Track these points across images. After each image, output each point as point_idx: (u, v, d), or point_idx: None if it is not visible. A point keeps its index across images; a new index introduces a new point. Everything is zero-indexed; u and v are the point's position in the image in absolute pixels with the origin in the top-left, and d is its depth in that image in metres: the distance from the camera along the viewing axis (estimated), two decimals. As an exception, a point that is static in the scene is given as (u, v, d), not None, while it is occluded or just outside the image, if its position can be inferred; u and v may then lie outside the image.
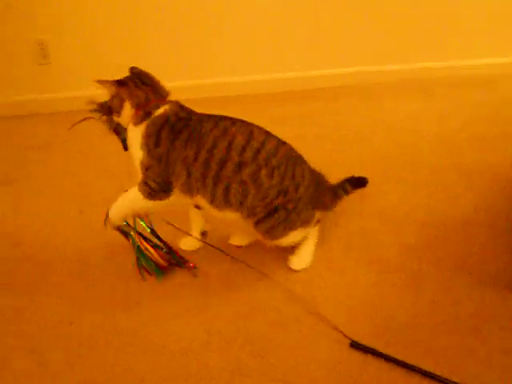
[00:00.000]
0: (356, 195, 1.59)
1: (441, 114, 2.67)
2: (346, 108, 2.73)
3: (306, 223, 1.33)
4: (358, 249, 1.54)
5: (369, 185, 1.61)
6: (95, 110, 1.27)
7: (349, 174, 1.59)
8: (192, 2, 2.59)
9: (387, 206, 1.78)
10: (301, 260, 1.41)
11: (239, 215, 1.23)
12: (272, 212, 1.22)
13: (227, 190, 1.19)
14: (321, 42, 2.86)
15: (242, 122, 1.24)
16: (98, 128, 1.32)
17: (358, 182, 1.54)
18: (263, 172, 1.19)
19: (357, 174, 1.60)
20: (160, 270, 1.31)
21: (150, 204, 1.25)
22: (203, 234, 1.45)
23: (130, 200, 1.27)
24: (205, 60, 2.68)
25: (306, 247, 1.42)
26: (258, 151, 1.19)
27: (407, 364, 1.11)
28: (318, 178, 1.36)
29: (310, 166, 1.33)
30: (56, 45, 2.43)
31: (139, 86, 1.22)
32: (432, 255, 1.52)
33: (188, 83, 2.63)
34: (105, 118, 1.27)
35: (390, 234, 1.63)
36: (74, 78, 2.42)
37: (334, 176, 1.54)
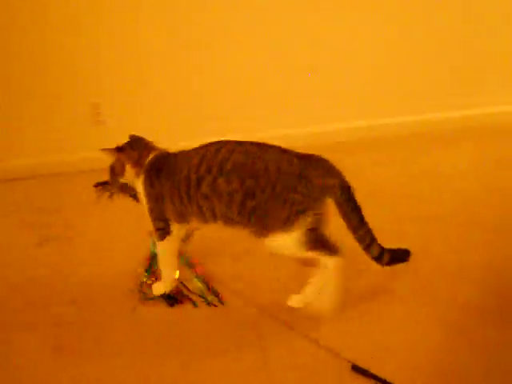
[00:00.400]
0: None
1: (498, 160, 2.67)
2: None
3: (288, 224, 1.27)
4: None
5: (423, 241, 1.75)
6: (102, 189, 1.52)
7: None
8: (277, 54, 2.82)
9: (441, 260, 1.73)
10: (298, 298, 1.41)
11: (222, 225, 1.35)
12: (250, 216, 1.28)
13: (199, 207, 1.32)
14: (385, 89, 3.06)
15: (213, 142, 1.36)
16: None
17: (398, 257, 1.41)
18: (220, 180, 1.26)
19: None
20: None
21: (167, 244, 1.44)
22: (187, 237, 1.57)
23: (159, 253, 1.48)
24: (289, 110, 2.89)
25: (311, 286, 1.40)
26: (211, 163, 1.28)
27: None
28: (299, 169, 1.27)
29: (282, 157, 1.29)
30: (109, 107, 2.69)
31: (134, 148, 1.44)
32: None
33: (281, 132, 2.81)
34: (112, 188, 1.51)
35: (448, 289, 1.58)
36: (125, 137, 2.57)
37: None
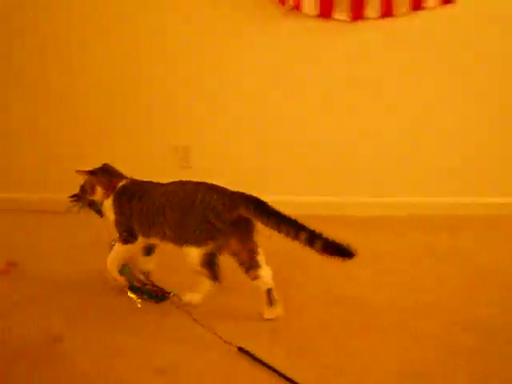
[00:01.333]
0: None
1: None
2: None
3: (198, 243, 1.55)
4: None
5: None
6: (74, 201, 1.81)
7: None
8: (330, 123, 2.71)
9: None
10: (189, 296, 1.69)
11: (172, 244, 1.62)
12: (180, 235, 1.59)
13: (157, 228, 1.62)
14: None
15: (176, 182, 1.73)
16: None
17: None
18: (168, 210, 1.60)
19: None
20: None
21: (126, 248, 1.71)
22: (145, 273, 1.81)
23: (115, 250, 1.73)
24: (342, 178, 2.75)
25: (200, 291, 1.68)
26: (165, 197, 1.63)
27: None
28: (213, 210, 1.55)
29: (210, 195, 1.58)
30: (197, 150, 2.73)
31: (104, 174, 1.75)
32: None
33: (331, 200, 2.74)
34: (80, 202, 1.81)
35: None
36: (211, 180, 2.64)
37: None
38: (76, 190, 1.79)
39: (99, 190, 1.73)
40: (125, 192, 1.71)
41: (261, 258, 1.55)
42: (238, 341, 1.40)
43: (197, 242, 1.54)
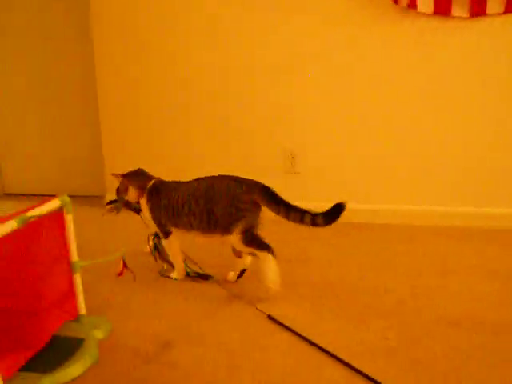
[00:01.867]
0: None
1: None
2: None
3: (232, 227, 1.72)
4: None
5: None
6: (112, 205, 1.97)
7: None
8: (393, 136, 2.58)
9: None
10: (232, 275, 1.91)
11: (199, 233, 1.79)
12: (213, 225, 1.75)
13: (183, 221, 1.80)
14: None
15: (197, 178, 1.84)
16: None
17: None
18: (193, 203, 1.76)
19: None
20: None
21: (169, 240, 1.88)
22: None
23: (167, 248, 1.92)
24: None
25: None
26: (190, 191, 1.79)
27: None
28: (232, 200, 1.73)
29: (228, 184, 1.75)
30: (303, 156, 2.68)
31: (136, 176, 1.93)
32: None
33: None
34: (119, 204, 1.96)
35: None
36: (317, 188, 2.64)
37: None
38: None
39: (132, 191, 1.91)
40: (154, 190, 1.88)
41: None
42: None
43: (228, 227, 1.72)
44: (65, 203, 1.37)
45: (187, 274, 1.92)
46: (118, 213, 1.98)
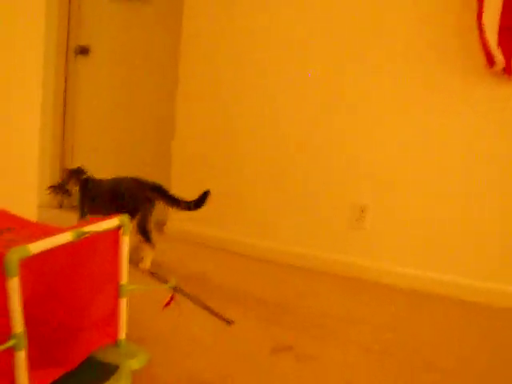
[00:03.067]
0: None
1: None
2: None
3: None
4: None
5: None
6: (53, 190, 2.48)
7: None
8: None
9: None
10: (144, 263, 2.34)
11: None
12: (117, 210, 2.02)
13: (98, 207, 2.35)
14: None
15: (114, 177, 2.41)
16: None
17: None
18: (107, 194, 2.34)
19: None
20: None
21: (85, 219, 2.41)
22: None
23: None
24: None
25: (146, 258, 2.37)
26: (103, 188, 2.37)
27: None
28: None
29: (131, 184, 2.34)
30: (374, 212, 2.55)
31: (76, 172, 2.44)
32: None
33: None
34: (60, 190, 2.49)
35: None
36: (384, 249, 2.53)
37: None
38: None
39: (72, 181, 2.44)
40: (85, 183, 2.40)
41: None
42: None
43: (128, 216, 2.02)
44: (123, 223, 1.36)
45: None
46: (61, 195, 2.56)
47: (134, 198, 2.24)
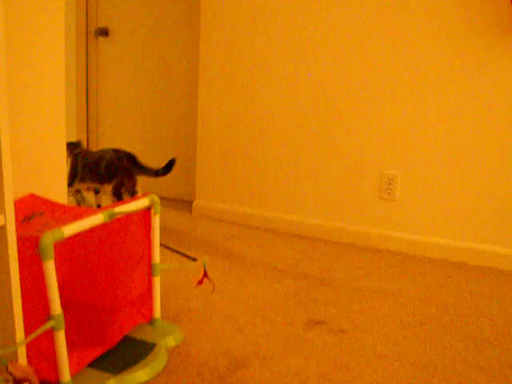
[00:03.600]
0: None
1: None
2: None
3: (108, 180, 2.48)
4: None
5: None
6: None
7: None
8: None
9: None
10: None
11: (91, 182, 2.56)
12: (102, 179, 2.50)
13: (85, 174, 2.55)
14: None
15: (100, 150, 2.59)
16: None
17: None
18: (93, 165, 2.51)
19: None
20: None
21: (71, 188, 2.64)
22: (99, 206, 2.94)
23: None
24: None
25: None
26: (91, 157, 2.55)
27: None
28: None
29: (111, 154, 2.50)
30: (403, 182, 2.52)
31: (72, 144, 2.65)
32: None
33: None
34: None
35: None
36: (414, 219, 2.51)
37: None
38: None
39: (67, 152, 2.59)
40: (77, 154, 2.60)
41: (139, 190, 2.49)
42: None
43: (108, 180, 2.46)
44: (153, 203, 1.35)
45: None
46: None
47: (112, 165, 2.47)
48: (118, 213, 1.18)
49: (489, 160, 2.32)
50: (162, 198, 3.52)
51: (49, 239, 1.00)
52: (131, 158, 2.52)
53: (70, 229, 1.06)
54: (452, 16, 2.29)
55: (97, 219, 1.12)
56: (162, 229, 2.71)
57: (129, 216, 1.30)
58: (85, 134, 3.71)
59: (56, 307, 1.04)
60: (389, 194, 2.51)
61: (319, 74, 2.61)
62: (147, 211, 1.36)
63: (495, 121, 2.29)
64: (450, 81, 2.34)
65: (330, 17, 2.55)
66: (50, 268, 1.01)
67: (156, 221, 1.38)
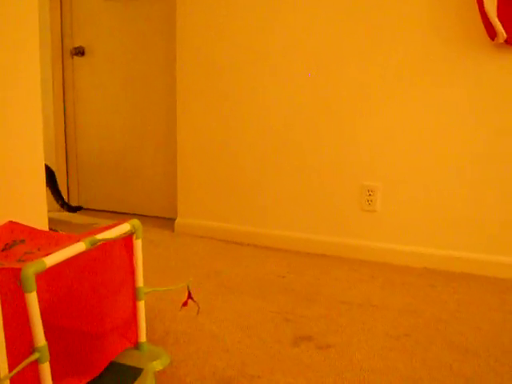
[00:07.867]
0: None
1: None
2: None
3: None
4: None
5: None
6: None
7: None
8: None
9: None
10: None
11: None
12: None
13: None
14: None
15: None
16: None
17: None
18: None
19: None
20: None
21: None
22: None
23: None
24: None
25: None
26: None
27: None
28: None
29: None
30: (383, 193, 2.54)
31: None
32: None
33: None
34: None
35: None
36: (395, 230, 2.54)
37: None
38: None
39: None
40: None
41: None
42: None
43: None
44: (135, 228, 1.35)
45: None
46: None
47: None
48: (100, 240, 1.18)
49: (470, 170, 2.36)
50: (143, 216, 3.49)
51: (31, 271, 0.99)
52: (51, 174, 2.66)
53: (52, 259, 1.05)
54: (429, 29, 2.35)
55: (79, 247, 1.12)
56: (145, 248, 2.69)
57: (110, 242, 1.29)
58: (64, 154, 3.68)
59: (40, 339, 1.03)
60: (369, 205, 2.54)
61: (296, 87, 2.64)
62: (129, 236, 1.35)
63: (476, 131, 2.33)
64: (429, 92, 2.39)
65: (304, 30, 2.58)
66: (33, 300, 1.00)
67: (138, 245, 1.37)
